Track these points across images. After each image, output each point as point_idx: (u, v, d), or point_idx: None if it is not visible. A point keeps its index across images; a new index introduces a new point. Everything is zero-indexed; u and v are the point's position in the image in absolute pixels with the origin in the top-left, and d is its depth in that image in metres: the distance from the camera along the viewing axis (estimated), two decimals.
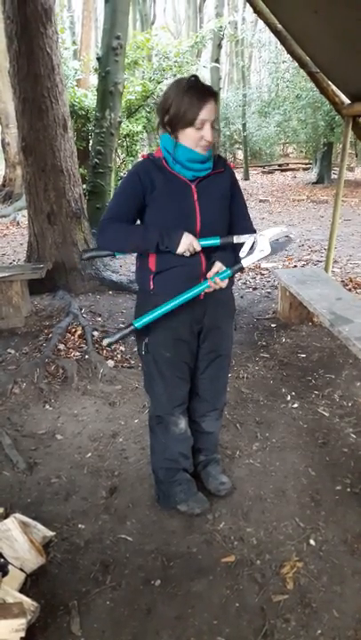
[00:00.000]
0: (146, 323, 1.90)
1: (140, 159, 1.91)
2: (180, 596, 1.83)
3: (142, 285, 1.99)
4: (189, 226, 1.85)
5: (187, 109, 1.73)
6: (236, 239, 1.85)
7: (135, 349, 3.81)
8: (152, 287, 1.94)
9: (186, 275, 1.89)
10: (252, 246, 1.82)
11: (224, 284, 1.85)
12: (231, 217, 1.98)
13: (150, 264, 1.93)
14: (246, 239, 1.83)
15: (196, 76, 1.77)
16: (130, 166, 10.15)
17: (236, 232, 1.95)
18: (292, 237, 1.74)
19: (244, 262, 1.83)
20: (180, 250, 1.80)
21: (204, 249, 1.87)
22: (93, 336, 3.92)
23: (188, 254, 1.82)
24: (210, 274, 1.86)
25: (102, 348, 3.74)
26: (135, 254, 2.02)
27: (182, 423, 2.16)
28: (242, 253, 1.83)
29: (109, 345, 1.96)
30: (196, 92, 1.73)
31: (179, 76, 10.69)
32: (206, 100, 1.73)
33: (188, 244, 1.80)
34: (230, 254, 1.93)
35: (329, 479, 2.41)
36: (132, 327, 1.91)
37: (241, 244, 1.86)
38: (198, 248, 1.83)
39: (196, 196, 1.85)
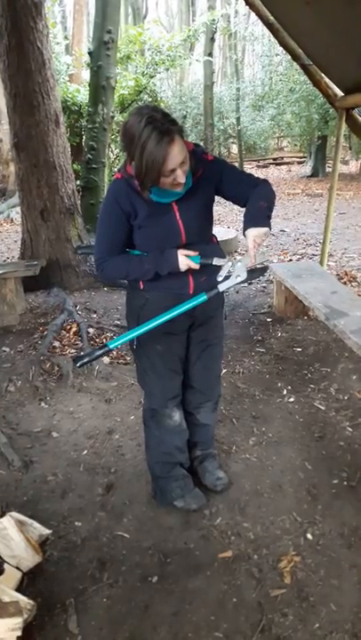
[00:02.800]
0: (121, 344, 1.93)
1: (115, 180, 1.81)
2: (177, 592, 1.83)
3: (132, 282, 2.00)
4: (175, 242, 1.86)
5: (150, 166, 1.59)
6: (216, 261, 1.85)
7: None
8: (142, 286, 1.95)
9: (182, 276, 1.90)
10: (229, 271, 1.83)
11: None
12: (238, 192, 1.91)
13: None
14: (224, 263, 1.84)
15: (155, 111, 1.59)
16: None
17: (251, 199, 1.86)
18: (270, 266, 1.75)
19: (221, 287, 1.84)
20: (181, 269, 1.83)
21: (193, 249, 1.86)
22: (89, 333, 3.91)
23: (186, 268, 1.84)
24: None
25: (97, 345, 3.72)
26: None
27: (176, 416, 2.16)
28: (219, 277, 1.84)
29: (81, 366, 1.96)
30: (158, 142, 1.55)
31: (172, 70, 10.64)
32: (170, 149, 1.57)
33: (185, 264, 1.82)
34: (215, 250, 1.96)
35: (326, 473, 2.41)
36: (107, 348, 1.92)
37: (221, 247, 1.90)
38: (196, 267, 1.83)
39: (178, 215, 1.83)
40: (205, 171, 1.85)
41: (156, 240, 1.85)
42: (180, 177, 1.67)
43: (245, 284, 5.34)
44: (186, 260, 1.82)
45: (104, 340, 3.84)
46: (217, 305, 2.10)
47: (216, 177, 1.89)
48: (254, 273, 1.87)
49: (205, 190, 1.88)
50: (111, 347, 1.91)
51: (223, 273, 1.83)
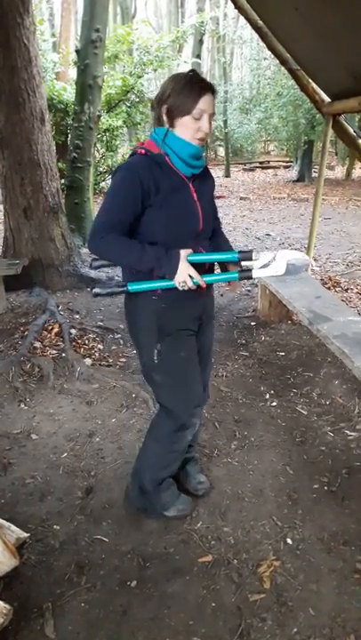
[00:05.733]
0: (143, 289, 1.79)
1: (137, 155, 1.75)
2: (156, 596, 1.81)
3: (143, 292, 1.84)
4: (193, 225, 1.81)
5: (185, 99, 1.70)
6: (255, 255, 1.78)
7: (113, 348, 3.77)
8: (158, 292, 1.82)
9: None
10: (269, 263, 1.75)
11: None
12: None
13: None
14: (263, 255, 1.77)
15: (194, 70, 1.76)
16: (110, 161, 10.05)
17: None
18: (310, 264, 1.70)
19: (255, 273, 1.76)
20: (177, 279, 1.69)
21: (203, 244, 1.85)
22: (71, 334, 3.87)
23: (181, 288, 1.71)
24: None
25: (79, 346, 3.69)
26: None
27: (198, 423, 2.11)
28: (257, 264, 1.77)
29: (97, 295, 1.86)
30: (196, 83, 1.71)
31: (160, 70, 10.65)
32: (205, 92, 1.71)
33: (184, 275, 1.69)
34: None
35: (306, 478, 2.41)
36: (125, 289, 1.80)
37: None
38: (202, 284, 1.74)
39: (195, 196, 1.81)
40: (209, 172, 1.94)
41: (176, 221, 1.76)
42: (206, 125, 1.73)
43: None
44: (189, 270, 1.70)
45: (86, 342, 3.81)
46: (212, 305, 2.11)
47: (213, 182, 1.98)
48: (294, 268, 1.76)
49: (211, 186, 1.92)
50: (131, 289, 1.79)
51: (262, 262, 1.76)
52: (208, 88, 1.72)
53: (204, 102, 1.70)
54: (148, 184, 1.69)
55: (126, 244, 1.72)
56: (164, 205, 1.73)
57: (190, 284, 1.71)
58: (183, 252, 1.71)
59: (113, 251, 1.73)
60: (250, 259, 1.80)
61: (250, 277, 1.79)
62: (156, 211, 1.73)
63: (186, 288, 1.72)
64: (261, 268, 1.76)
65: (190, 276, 1.71)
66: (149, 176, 1.69)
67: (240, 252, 1.82)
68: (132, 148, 1.83)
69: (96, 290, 1.86)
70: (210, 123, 1.75)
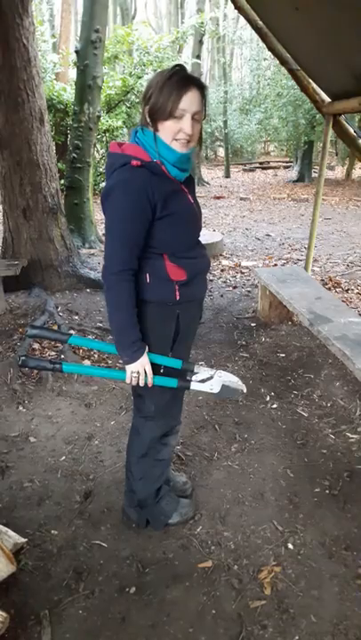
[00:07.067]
0: (76, 372, 1.82)
1: (131, 168, 1.56)
2: (155, 603, 1.79)
3: (161, 297, 1.73)
4: (196, 228, 1.78)
5: (166, 99, 1.53)
6: (197, 369, 1.85)
7: None
8: (178, 297, 1.73)
9: (205, 279, 1.85)
10: (207, 379, 1.83)
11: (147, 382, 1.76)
12: None
13: (173, 274, 1.70)
14: (203, 370, 1.85)
15: (180, 65, 1.58)
16: None
17: None
18: (244, 393, 1.87)
19: (193, 385, 1.81)
20: (132, 368, 1.69)
21: (201, 245, 1.82)
22: None
23: (130, 381, 1.71)
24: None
25: (78, 348, 3.66)
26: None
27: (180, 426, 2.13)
28: (195, 378, 1.83)
29: (22, 365, 1.83)
30: (178, 81, 1.53)
31: (159, 70, 10.67)
32: (187, 90, 1.53)
33: (141, 367, 1.69)
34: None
35: (308, 481, 2.39)
36: (59, 369, 1.81)
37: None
38: (150, 383, 1.74)
39: (190, 197, 1.75)
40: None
41: (182, 227, 1.69)
42: (187, 125, 1.56)
43: (230, 288, 5.33)
44: (145, 365, 1.70)
45: None
46: None
47: None
48: (227, 391, 1.84)
49: (193, 182, 1.82)
50: (65, 369, 1.82)
51: (201, 377, 1.82)
52: (191, 85, 1.55)
53: (184, 102, 1.54)
54: (154, 198, 1.58)
55: (130, 305, 1.65)
56: (169, 215, 1.64)
57: (142, 378, 1.72)
58: (146, 349, 1.72)
59: (117, 298, 1.64)
60: (191, 370, 1.85)
61: (188, 388, 1.82)
62: (161, 222, 1.63)
63: (134, 382, 1.72)
64: (200, 382, 1.82)
65: (142, 372, 1.71)
66: (152, 190, 1.57)
67: (184, 362, 1.83)
68: (114, 152, 1.63)
69: (21, 359, 1.81)
70: (193, 122, 1.58)
